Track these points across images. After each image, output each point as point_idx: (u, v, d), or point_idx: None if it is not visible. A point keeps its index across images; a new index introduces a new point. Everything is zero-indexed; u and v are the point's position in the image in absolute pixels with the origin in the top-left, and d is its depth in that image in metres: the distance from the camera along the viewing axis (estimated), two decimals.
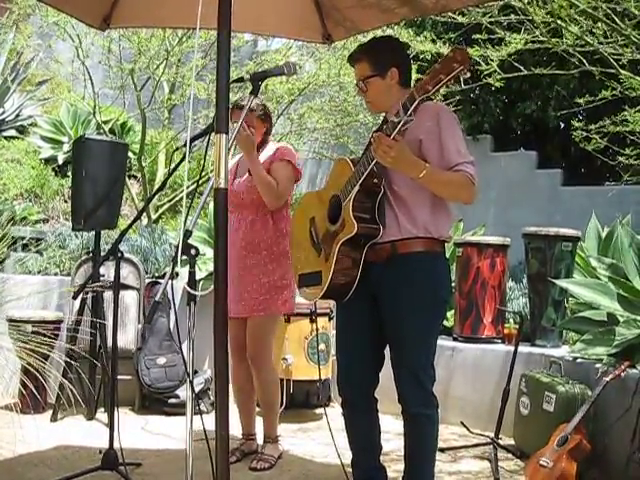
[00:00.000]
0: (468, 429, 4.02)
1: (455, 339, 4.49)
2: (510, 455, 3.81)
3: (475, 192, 2.61)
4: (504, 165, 7.43)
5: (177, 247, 2.17)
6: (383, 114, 2.93)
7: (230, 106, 2.41)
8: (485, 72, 5.34)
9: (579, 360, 3.87)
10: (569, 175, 7.29)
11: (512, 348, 3.96)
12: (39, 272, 5.11)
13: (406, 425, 2.74)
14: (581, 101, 5.24)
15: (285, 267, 3.47)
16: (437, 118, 2.63)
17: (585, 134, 5.24)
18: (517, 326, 4.11)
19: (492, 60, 5.20)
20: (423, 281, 2.64)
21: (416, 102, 2.38)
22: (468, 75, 2.34)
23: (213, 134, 2.14)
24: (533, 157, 7.42)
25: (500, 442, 3.80)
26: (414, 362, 2.67)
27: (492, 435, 3.82)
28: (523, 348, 4.12)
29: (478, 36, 5.25)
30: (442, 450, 3.72)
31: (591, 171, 7.52)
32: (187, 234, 2.21)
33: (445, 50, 5.69)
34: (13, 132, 7.46)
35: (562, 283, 4.13)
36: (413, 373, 2.66)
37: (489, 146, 7.61)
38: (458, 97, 6.29)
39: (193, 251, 2.28)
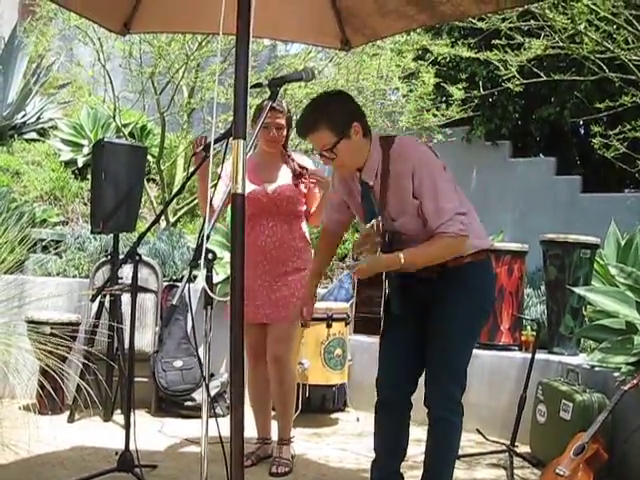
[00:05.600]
0: (484, 436, 4.01)
1: None
2: (526, 463, 3.78)
3: (463, 242, 2.60)
4: (523, 171, 7.39)
5: (195, 251, 2.19)
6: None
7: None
8: (504, 77, 5.33)
9: (597, 368, 3.85)
10: (589, 181, 7.24)
11: (529, 355, 3.93)
12: (58, 274, 5.15)
13: (430, 429, 2.77)
14: (601, 106, 5.20)
15: None
16: (412, 175, 2.59)
17: (604, 141, 5.20)
18: (534, 333, 4.09)
19: (511, 65, 5.19)
20: (467, 291, 2.68)
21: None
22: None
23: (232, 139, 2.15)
24: (552, 163, 7.37)
25: (516, 450, 3.78)
26: (447, 368, 2.71)
27: (508, 443, 3.80)
28: (540, 356, 4.10)
29: (497, 41, 5.25)
30: (458, 457, 3.70)
31: (611, 178, 7.46)
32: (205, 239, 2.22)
33: (466, 53, 5.69)
34: (34, 135, 7.52)
35: (580, 291, 4.10)
36: (444, 379, 2.70)
37: (507, 152, 7.58)
38: (476, 101, 6.27)
39: (210, 255, 2.30)
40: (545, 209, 6.87)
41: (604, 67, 5.20)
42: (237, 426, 2.00)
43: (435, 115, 6.31)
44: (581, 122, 7.18)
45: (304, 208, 3.57)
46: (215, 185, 3.20)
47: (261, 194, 3.43)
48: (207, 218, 2.28)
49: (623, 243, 4.65)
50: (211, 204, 2.93)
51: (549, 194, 7.08)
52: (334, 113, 2.62)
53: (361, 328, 2.75)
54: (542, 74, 5.43)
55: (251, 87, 2.38)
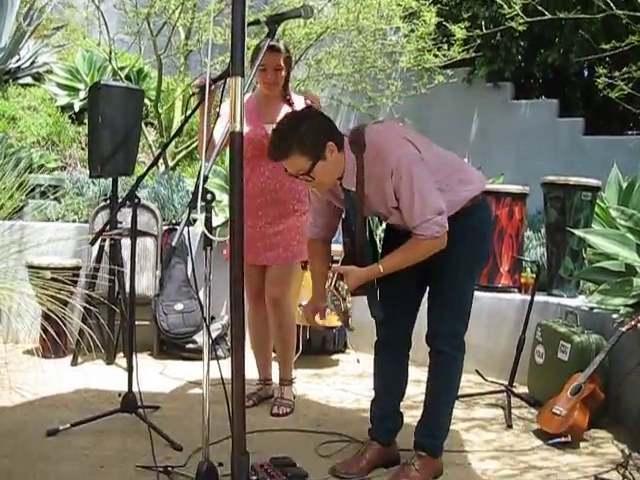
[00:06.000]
0: (483, 377, 4.05)
1: None
2: (524, 403, 3.85)
3: (441, 241, 2.60)
4: (524, 113, 7.31)
5: (193, 192, 2.17)
6: None
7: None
8: (508, 15, 5.22)
9: (595, 310, 3.87)
10: (591, 124, 7.16)
11: (528, 297, 3.95)
12: (57, 219, 5.15)
13: (431, 365, 2.83)
14: (606, 47, 5.10)
15: None
16: (392, 176, 2.57)
17: (609, 81, 5.12)
18: (534, 275, 4.10)
19: (515, 3, 5.07)
20: (467, 231, 2.70)
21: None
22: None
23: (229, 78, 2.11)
24: (554, 105, 7.28)
25: (514, 390, 3.83)
26: (451, 306, 2.77)
27: (506, 383, 3.85)
28: (539, 298, 4.12)
29: None
30: (456, 397, 3.75)
31: (613, 120, 7.38)
32: (203, 179, 2.20)
33: None
34: (29, 79, 7.39)
35: (580, 233, 4.10)
36: (448, 317, 2.76)
37: (509, 94, 7.48)
38: (479, 41, 6.16)
39: (209, 196, 2.28)
40: (546, 151, 6.81)
41: (611, 4, 5.08)
42: (238, 367, 2.01)
43: (436, 55, 6.20)
44: (585, 64, 7.05)
45: None
46: (214, 127, 3.15)
47: (261, 134, 3.38)
48: (206, 157, 2.25)
49: (625, 186, 4.63)
50: (211, 138, 2.89)
51: (551, 136, 7.01)
52: (306, 136, 2.54)
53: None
54: (547, 12, 5.31)
55: (249, 24, 2.34)
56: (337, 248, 3.15)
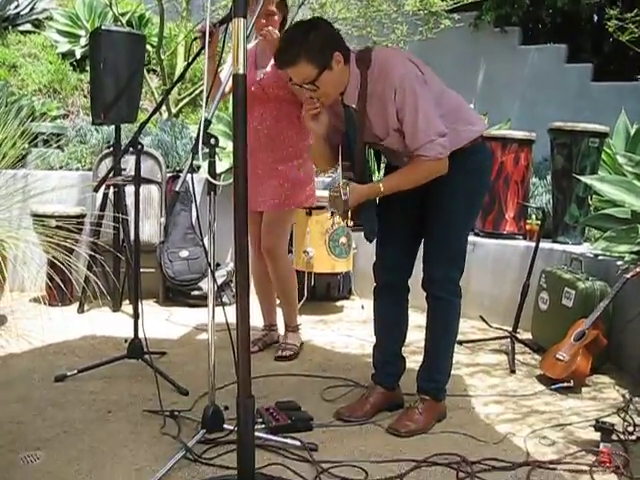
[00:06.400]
0: (487, 323, 4.08)
1: (476, 234, 4.47)
2: (527, 349, 3.87)
3: (443, 164, 2.60)
4: (532, 59, 7.18)
5: (197, 137, 2.14)
6: None
7: None
8: None
9: (600, 257, 3.86)
10: (599, 70, 7.04)
11: (533, 244, 3.94)
12: (60, 167, 5.13)
13: (428, 310, 2.84)
14: None
15: (310, 163, 3.48)
16: (395, 96, 2.55)
17: (620, 24, 5.01)
18: (539, 222, 4.08)
19: None
20: (465, 175, 2.69)
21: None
22: None
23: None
24: (563, 51, 7.15)
25: (518, 336, 3.86)
26: (447, 249, 2.76)
27: (510, 329, 3.87)
28: (544, 244, 4.11)
29: None
30: (460, 343, 3.79)
31: (622, 66, 7.25)
32: (206, 124, 2.18)
33: None
34: (28, 26, 7.28)
35: (587, 180, 4.07)
36: (443, 260, 2.75)
37: (517, 39, 7.34)
38: None
39: (213, 140, 2.26)
40: (554, 98, 6.71)
41: None
42: (243, 313, 2.02)
43: None
44: (595, 7, 6.90)
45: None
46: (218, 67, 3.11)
47: (250, 82, 3.33)
48: (210, 97, 2.22)
49: (632, 132, 4.58)
50: (217, 75, 2.84)
51: (559, 82, 6.90)
52: (314, 44, 2.53)
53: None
54: None
55: None
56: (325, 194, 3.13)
